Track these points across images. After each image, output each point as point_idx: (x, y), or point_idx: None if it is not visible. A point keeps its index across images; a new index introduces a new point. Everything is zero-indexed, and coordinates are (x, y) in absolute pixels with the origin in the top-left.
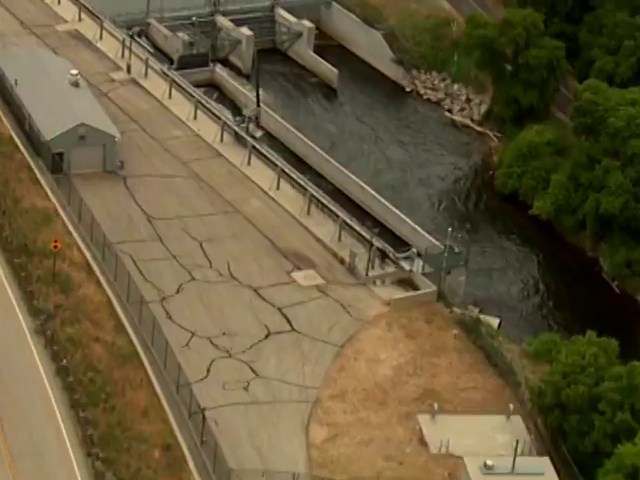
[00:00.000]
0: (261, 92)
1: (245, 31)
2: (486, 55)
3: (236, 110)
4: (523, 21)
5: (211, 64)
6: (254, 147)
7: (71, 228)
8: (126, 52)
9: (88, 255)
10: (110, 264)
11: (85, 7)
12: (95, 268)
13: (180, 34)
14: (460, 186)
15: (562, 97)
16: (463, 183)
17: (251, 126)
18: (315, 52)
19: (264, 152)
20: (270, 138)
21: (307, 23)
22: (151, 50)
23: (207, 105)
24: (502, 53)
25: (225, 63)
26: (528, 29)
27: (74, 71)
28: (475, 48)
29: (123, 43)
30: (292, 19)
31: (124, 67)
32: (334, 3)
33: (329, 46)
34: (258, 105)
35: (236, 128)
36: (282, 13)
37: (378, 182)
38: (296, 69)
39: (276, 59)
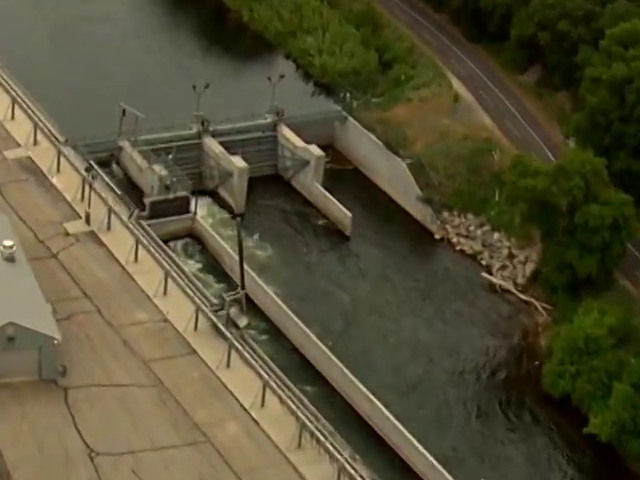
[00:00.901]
0: (254, 240)
1: (238, 162)
2: (534, 209)
3: (220, 273)
4: (582, 168)
5: (192, 207)
6: (235, 343)
7: None
8: (87, 191)
9: None
10: None
11: (42, 126)
12: None
13: (156, 167)
14: (498, 383)
15: (628, 258)
16: (502, 378)
17: (233, 311)
18: (327, 176)
19: (246, 354)
20: (259, 316)
21: (315, 150)
22: (118, 191)
23: (181, 277)
24: (555, 206)
25: (213, 196)
26: (587, 178)
27: (8, 242)
28: (521, 200)
29: (84, 181)
30: (298, 143)
31: (82, 214)
32: (350, 119)
33: (343, 170)
34: (242, 287)
35: (213, 317)
36: (286, 133)
37: (398, 380)
38: (300, 205)
39: (277, 190)
